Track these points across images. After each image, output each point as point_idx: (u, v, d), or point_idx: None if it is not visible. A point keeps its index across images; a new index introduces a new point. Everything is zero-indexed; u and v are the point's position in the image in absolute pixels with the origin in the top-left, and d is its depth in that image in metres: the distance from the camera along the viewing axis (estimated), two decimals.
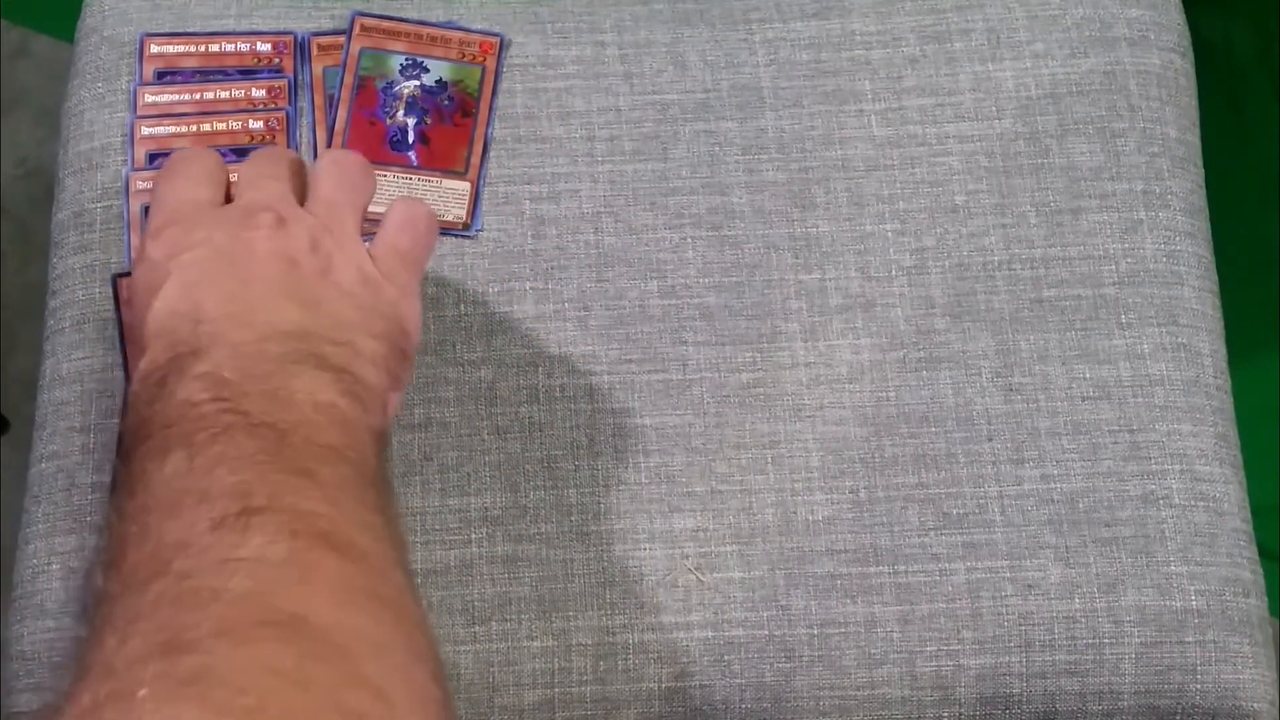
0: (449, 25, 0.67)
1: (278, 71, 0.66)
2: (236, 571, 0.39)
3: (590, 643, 0.59)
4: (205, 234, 0.50)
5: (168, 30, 0.67)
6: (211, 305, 0.48)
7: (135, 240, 0.64)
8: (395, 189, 0.64)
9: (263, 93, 0.66)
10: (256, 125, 0.65)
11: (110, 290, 0.63)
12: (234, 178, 0.55)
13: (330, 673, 0.37)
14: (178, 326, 0.48)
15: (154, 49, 0.66)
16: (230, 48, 0.66)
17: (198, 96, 0.66)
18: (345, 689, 0.37)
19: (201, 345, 0.47)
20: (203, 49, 0.66)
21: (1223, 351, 0.65)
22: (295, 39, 0.66)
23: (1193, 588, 0.60)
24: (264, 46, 0.66)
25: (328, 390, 0.47)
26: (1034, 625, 0.59)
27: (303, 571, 0.40)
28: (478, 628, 0.59)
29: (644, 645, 0.59)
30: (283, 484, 0.42)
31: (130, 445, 0.46)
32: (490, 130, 0.66)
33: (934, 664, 0.59)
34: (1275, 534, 0.88)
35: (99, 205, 0.65)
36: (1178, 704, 0.59)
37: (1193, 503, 0.61)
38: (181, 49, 0.66)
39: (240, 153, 0.64)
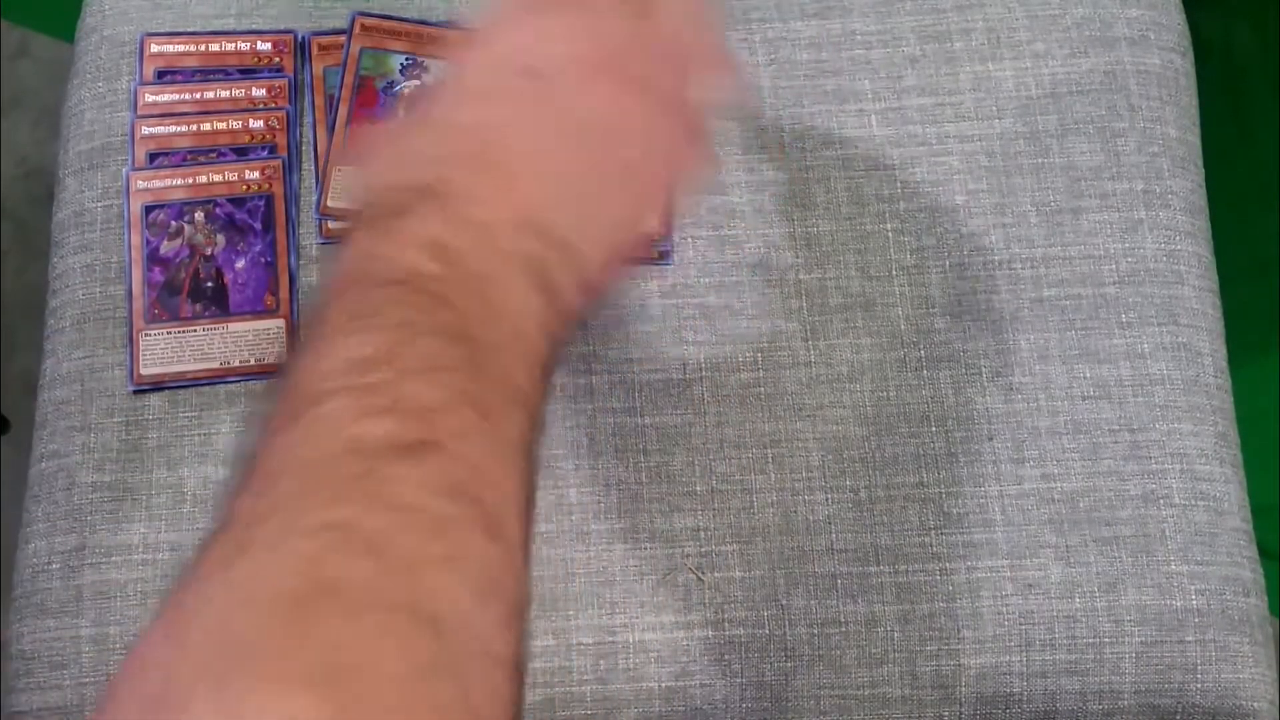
0: (449, 25, 0.67)
1: (278, 71, 0.66)
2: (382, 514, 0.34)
3: (590, 642, 0.59)
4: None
5: (168, 30, 0.67)
6: (499, 152, 0.42)
7: (136, 239, 0.64)
8: None
9: (263, 92, 0.66)
10: (257, 124, 0.65)
11: None
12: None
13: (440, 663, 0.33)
14: (449, 154, 0.41)
15: (154, 48, 0.66)
16: (230, 47, 0.66)
17: (198, 96, 0.66)
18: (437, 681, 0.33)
19: (450, 193, 0.40)
20: (203, 48, 0.66)
21: (1223, 351, 0.65)
22: (295, 38, 0.66)
23: (1193, 587, 0.60)
24: (264, 46, 0.66)
25: (534, 316, 0.40)
26: (1034, 624, 0.59)
27: (448, 553, 0.34)
28: None
29: (644, 645, 0.59)
30: (469, 424, 0.36)
31: (337, 287, 0.40)
32: None
33: (934, 663, 0.59)
34: (1275, 534, 0.88)
35: (99, 205, 0.65)
36: (1178, 703, 0.59)
37: (1193, 502, 0.61)
38: (181, 48, 0.66)
39: (240, 152, 0.65)
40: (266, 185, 0.64)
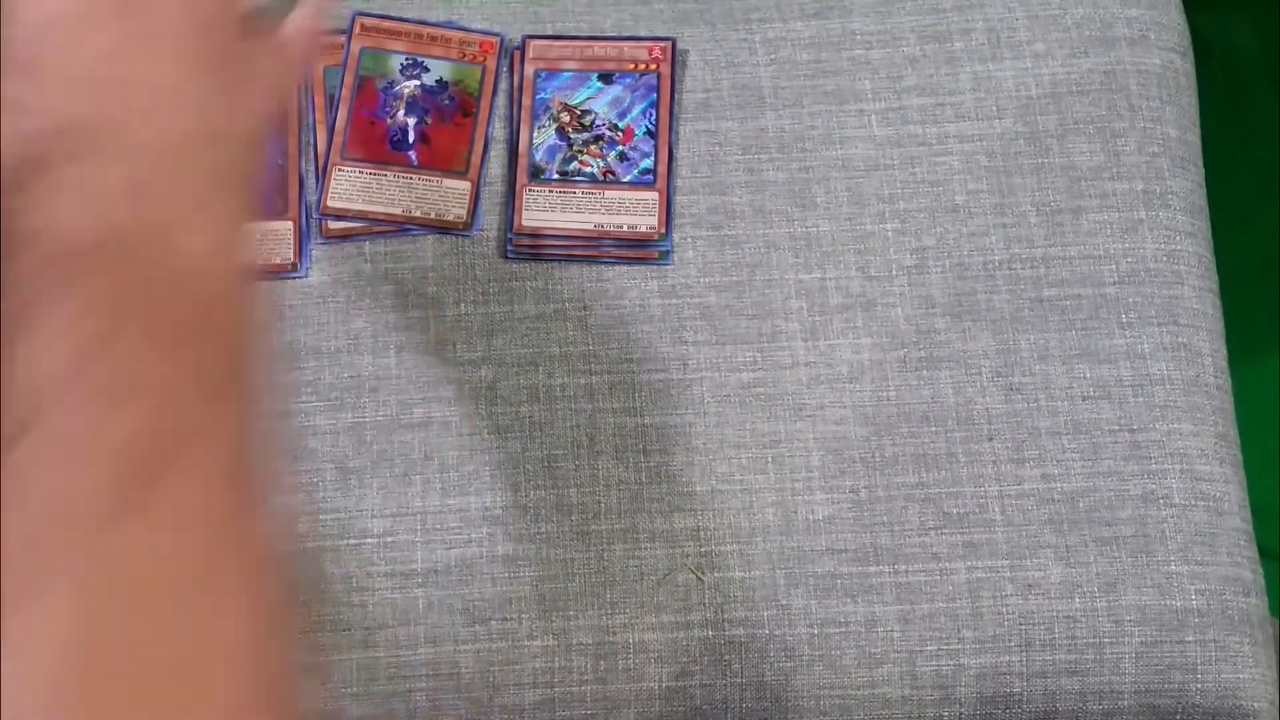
0: (449, 25, 0.67)
1: None
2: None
3: (590, 642, 0.59)
4: None
5: None
6: (112, 69, 0.34)
7: None
8: (395, 188, 0.64)
9: None
10: None
11: None
12: None
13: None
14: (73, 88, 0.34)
15: None
16: None
17: None
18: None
19: (96, 130, 0.33)
20: None
21: (1223, 351, 0.65)
22: None
23: (1193, 587, 0.60)
24: None
25: (230, 227, 0.34)
26: (1034, 624, 0.59)
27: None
28: (478, 627, 0.59)
29: (644, 645, 0.59)
30: (191, 427, 0.32)
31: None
32: (491, 130, 0.66)
33: (934, 663, 0.59)
34: (1275, 534, 0.88)
35: None
36: (1178, 703, 0.59)
37: (1193, 502, 0.61)
38: None
39: None
40: None
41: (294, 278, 0.63)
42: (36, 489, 0.30)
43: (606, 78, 0.66)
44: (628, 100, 0.66)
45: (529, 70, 0.66)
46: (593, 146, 0.65)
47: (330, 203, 0.64)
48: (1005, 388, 0.62)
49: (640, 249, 0.64)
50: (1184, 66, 0.68)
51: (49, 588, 0.30)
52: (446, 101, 0.66)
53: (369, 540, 0.60)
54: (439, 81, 0.66)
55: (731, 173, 0.65)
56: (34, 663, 0.29)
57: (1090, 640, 0.59)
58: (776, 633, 0.59)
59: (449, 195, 0.64)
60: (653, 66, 0.66)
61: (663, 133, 0.65)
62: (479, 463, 0.61)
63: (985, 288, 0.64)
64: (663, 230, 0.64)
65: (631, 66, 0.66)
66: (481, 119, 0.66)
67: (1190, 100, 0.68)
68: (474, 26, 0.67)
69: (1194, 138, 0.68)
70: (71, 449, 0.31)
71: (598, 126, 0.65)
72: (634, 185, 0.64)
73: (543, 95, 0.66)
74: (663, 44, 0.66)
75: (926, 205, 0.65)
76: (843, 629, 0.59)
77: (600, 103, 0.66)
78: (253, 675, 0.31)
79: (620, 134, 0.65)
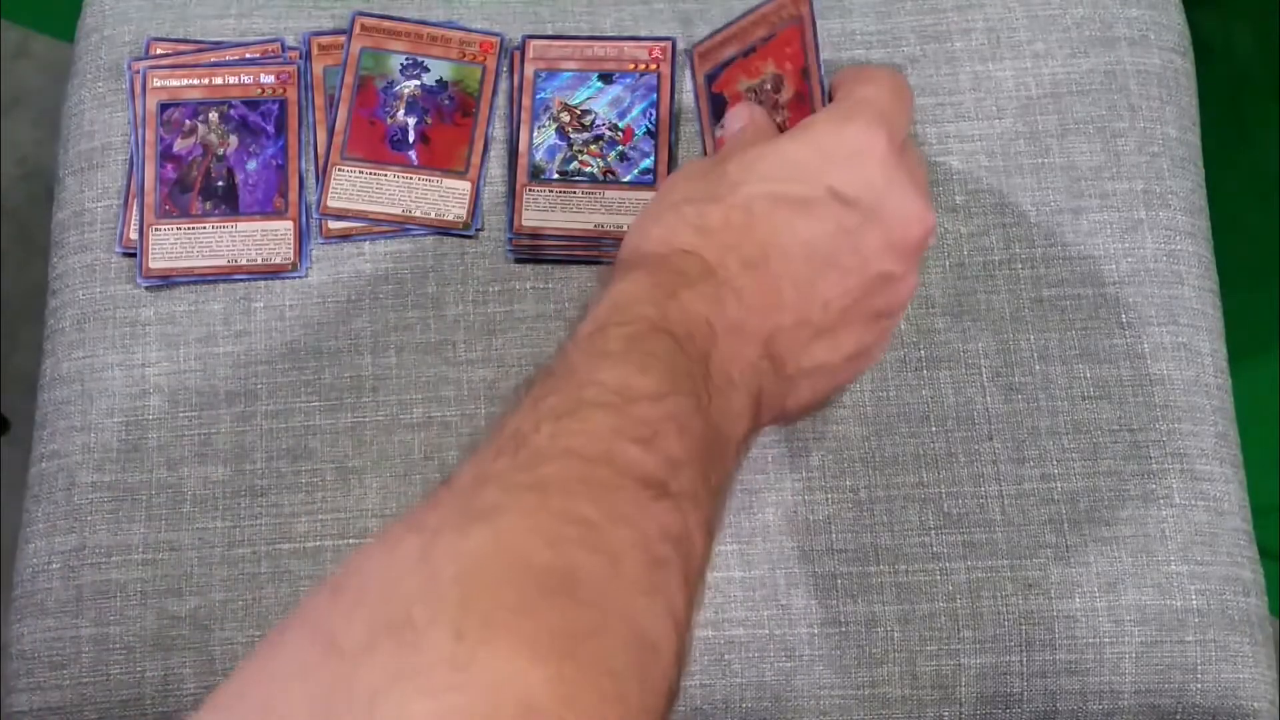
0: (449, 25, 0.67)
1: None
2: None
3: None
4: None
5: (167, 33, 0.67)
6: (779, 263, 0.47)
7: (150, 135, 0.64)
8: (395, 188, 0.64)
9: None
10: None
11: None
12: None
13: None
14: (736, 242, 0.46)
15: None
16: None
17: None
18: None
19: (725, 281, 0.45)
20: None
21: (1223, 351, 0.65)
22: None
23: (1193, 587, 0.60)
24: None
25: (743, 424, 0.46)
26: (1034, 624, 0.59)
27: (658, 587, 0.38)
28: None
29: None
30: (696, 490, 0.41)
31: (611, 311, 0.45)
32: (490, 130, 0.66)
33: (934, 663, 0.59)
34: (1275, 534, 0.88)
35: (99, 205, 0.65)
36: (1178, 703, 0.59)
37: (1193, 502, 0.61)
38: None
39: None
40: (281, 90, 0.66)
41: (294, 278, 0.63)
42: None
43: (606, 78, 0.66)
44: (628, 100, 0.66)
45: (529, 70, 0.66)
46: (593, 146, 0.65)
47: (330, 203, 0.64)
48: (1005, 387, 0.62)
49: None
50: (1184, 66, 0.68)
51: None
52: (446, 101, 0.66)
53: (369, 540, 0.59)
54: (439, 81, 0.66)
55: None
56: None
57: (1090, 640, 0.59)
58: (776, 632, 0.59)
59: (449, 195, 0.64)
60: (653, 66, 0.66)
61: (663, 133, 0.65)
62: None
63: (985, 287, 0.64)
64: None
65: (631, 66, 0.66)
66: (481, 119, 0.66)
67: (1190, 100, 0.68)
68: (474, 26, 0.67)
69: (1194, 138, 0.68)
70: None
71: (598, 126, 0.65)
72: (634, 185, 0.64)
73: (543, 95, 0.66)
74: (663, 44, 0.66)
75: None
76: (843, 629, 0.59)
77: (600, 103, 0.66)
78: None
79: (620, 134, 0.65)
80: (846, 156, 0.48)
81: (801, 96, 0.58)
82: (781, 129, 0.57)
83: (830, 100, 0.53)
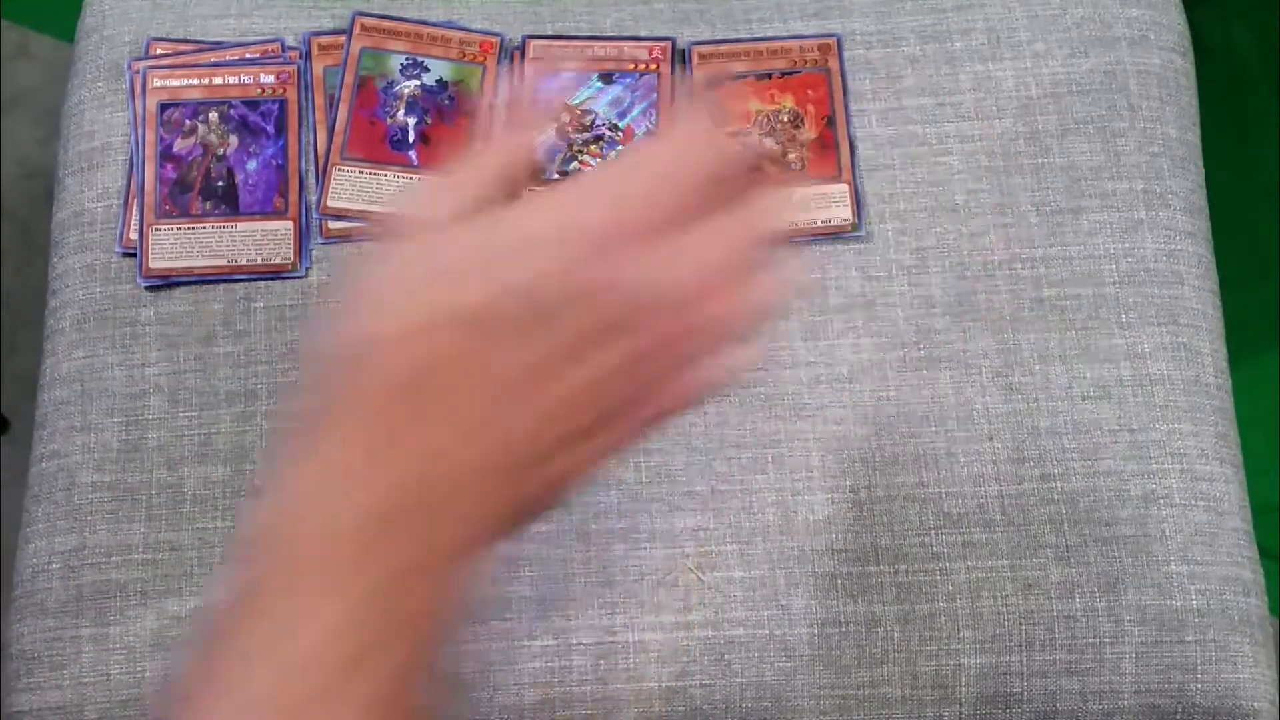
0: (449, 25, 0.67)
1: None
2: None
3: (590, 642, 0.59)
4: None
5: (167, 33, 0.67)
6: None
7: (150, 135, 0.64)
8: (395, 188, 0.64)
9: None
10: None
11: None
12: None
13: None
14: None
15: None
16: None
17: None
18: None
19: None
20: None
21: (1223, 351, 0.65)
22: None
23: (1193, 587, 0.60)
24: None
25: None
26: (1034, 624, 0.59)
27: None
28: (478, 627, 0.59)
29: (644, 645, 0.59)
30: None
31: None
32: (491, 130, 0.66)
33: (934, 663, 0.59)
34: (1275, 534, 0.88)
35: (99, 205, 0.65)
36: (1178, 703, 0.59)
37: (1193, 502, 0.61)
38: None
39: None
40: (281, 90, 0.66)
41: (294, 278, 0.63)
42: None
43: (606, 78, 0.66)
44: (628, 100, 0.66)
45: (529, 70, 0.66)
46: (593, 146, 0.65)
47: (330, 203, 0.64)
48: (1005, 387, 0.62)
49: None
50: (1184, 66, 0.68)
51: None
52: (446, 101, 0.66)
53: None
54: (439, 81, 0.66)
55: None
56: None
57: (1090, 640, 0.59)
58: (777, 632, 0.59)
59: None
60: (653, 66, 0.66)
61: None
62: None
63: (985, 287, 0.64)
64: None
65: (631, 66, 0.66)
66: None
67: (1190, 100, 0.68)
68: (474, 26, 0.67)
69: (1194, 138, 0.68)
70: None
71: (598, 126, 0.65)
72: None
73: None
74: (663, 44, 0.66)
75: (926, 205, 0.65)
76: (842, 629, 0.59)
77: (600, 103, 0.66)
78: None
79: (620, 134, 0.65)
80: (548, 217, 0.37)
81: (825, 144, 0.61)
82: (801, 165, 0.60)
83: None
